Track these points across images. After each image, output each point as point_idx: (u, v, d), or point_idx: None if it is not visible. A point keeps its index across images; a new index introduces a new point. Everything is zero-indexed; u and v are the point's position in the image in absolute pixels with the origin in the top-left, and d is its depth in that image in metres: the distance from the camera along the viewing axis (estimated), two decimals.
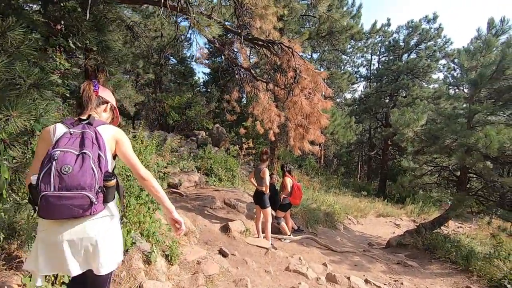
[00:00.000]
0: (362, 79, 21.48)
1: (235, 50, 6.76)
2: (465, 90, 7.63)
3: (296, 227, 6.60)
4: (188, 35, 19.37)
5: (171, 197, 5.61)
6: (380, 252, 6.37)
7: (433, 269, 5.14)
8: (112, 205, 1.39)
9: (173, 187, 6.07)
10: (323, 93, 5.28)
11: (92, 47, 3.79)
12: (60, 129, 1.35)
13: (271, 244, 4.89)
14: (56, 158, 1.19)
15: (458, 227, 11.42)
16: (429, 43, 16.43)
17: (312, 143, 5.63)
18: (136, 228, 2.90)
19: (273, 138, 7.62)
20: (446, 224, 7.47)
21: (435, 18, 16.28)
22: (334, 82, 14.71)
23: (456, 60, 14.87)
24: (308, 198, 9.27)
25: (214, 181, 8.74)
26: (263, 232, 5.06)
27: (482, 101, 6.37)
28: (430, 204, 14.25)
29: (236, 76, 7.25)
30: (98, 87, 1.54)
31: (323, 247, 5.73)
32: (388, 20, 19.05)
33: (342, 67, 18.96)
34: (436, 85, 15.99)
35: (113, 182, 1.30)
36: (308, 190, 11.78)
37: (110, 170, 1.36)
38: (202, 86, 25.96)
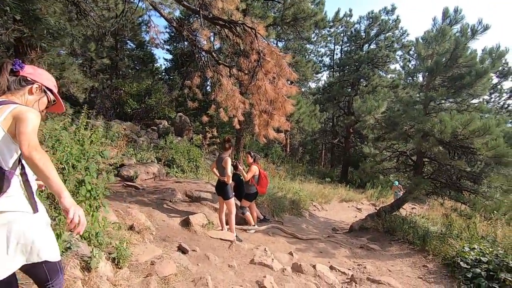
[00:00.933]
0: (325, 68, 21.87)
1: (195, 30, 6.27)
2: (421, 79, 7.97)
3: (262, 217, 6.47)
4: (146, 17, 18.07)
5: (126, 191, 5.12)
6: (343, 236, 6.50)
7: (393, 251, 5.32)
8: (9, 200, 1.23)
9: (128, 180, 5.55)
10: (288, 78, 5.07)
11: (14, 15, 3.15)
12: None
13: (236, 236, 4.67)
14: None
15: (412, 208, 12.24)
16: (387, 34, 17.09)
17: (277, 130, 5.44)
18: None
19: (238, 126, 7.33)
20: (402, 207, 7.85)
21: (393, 9, 16.93)
22: (299, 70, 14.70)
23: (412, 51, 15.69)
24: (274, 187, 9.20)
25: (176, 172, 8.28)
26: (227, 224, 4.81)
27: (437, 89, 6.65)
28: (388, 188, 15.12)
29: (197, 60, 6.79)
30: (22, 66, 1.41)
31: (289, 235, 5.67)
32: (350, 10, 19.49)
33: (307, 56, 19.06)
34: (393, 75, 16.76)
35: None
36: (274, 179, 11.75)
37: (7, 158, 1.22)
38: (164, 74, 24.63)
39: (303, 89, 25.16)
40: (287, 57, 4.77)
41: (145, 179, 6.06)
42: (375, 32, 17.82)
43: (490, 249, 3.98)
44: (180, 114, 15.27)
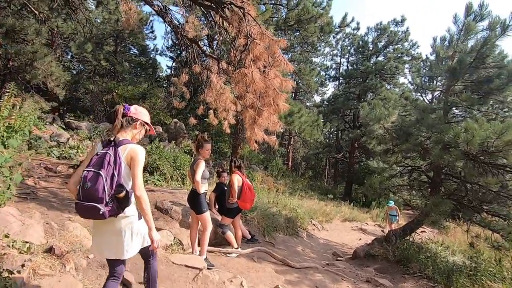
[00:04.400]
0: (331, 79, 21.12)
1: (177, 13, 5.49)
2: (435, 85, 7.05)
3: (249, 236, 5.45)
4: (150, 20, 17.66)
5: (70, 201, 4.17)
6: (346, 265, 5.42)
7: None
8: (131, 209, 1.81)
9: None
10: (283, 70, 4.19)
11: None
12: (99, 147, 1.81)
13: (206, 260, 3.67)
14: (84, 176, 1.65)
15: (422, 231, 11.04)
16: (396, 46, 16.35)
17: (267, 132, 4.52)
18: None
19: (228, 131, 6.46)
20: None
21: (402, 21, 16.27)
22: (303, 78, 13.95)
23: (422, 63, 14.81)
24: (269, 201, 8.18)
25: (158, 180, 7.34)
26: (200, 245, 3.83)
27: (458, 95, 5.72)
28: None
29: (183, 52, 6.00)
30: (129, 109, 1.88)
31: (279, 262, 4.62)
32: (358, 23, 18.92)
33: (311, 66, 18.34)
34: (403, 88, 15.88)
35: (122, 194, 1.69)
36: (271, 193, 10.73)
37: (124, 181, 1.72)
38: (165, 80, 24.17)
39: (307, 103, 24.46)
40: (281, 42, 3.90)
41: None
42: (383, 44, 17.11)
43: None
44: (176, 120, 14.48)
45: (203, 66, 5.80)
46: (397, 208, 9.25)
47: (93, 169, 1.65)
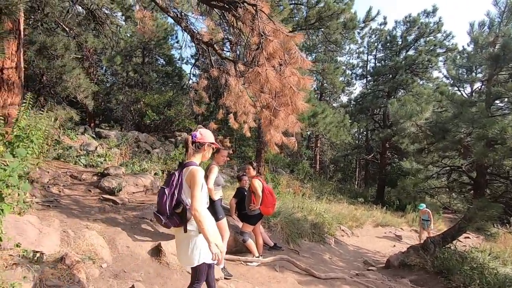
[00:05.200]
0: (358, 77, 20.25)
1: (193, 17, 5.46)
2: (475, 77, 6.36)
3: (271, 244, 5.21)
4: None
5: (99, 206, 4.22)
6: (377, 275, 4.97)
7: None
8: (192, 223, 2.00)
9: (109, 193, 4.68)
10: (299, 66, 3.95)
11: None
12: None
13: (225, 271, 3.50)
14: (158, 191, 2.08)
15: (465, 237, 10.04)
16: (428, 38, 15.29)
17: (286, 134, 4.28)
18: None
19: (248, 134, 6.29)
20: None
21: (434, 11, 15.18)
22: (327, 78, 13.46)
23: (464, 48, 13.58)
24: (294, 206, 7.88)
25: None
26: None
27: (502, 84, 5.08)
28: (434, 212, 12.87)
29: (200, 55, 5.97)
30: (196, 136, 2.14)
31: (303, 271, 4.33)
32: (385, 18, 18.04)
33: (336, 66, 17.70)
34: (437, 83, 14.77)
35: (179, 209, 1.98)
36: (296, 197, 10.40)
37: (184, 199, 2.01)
38: (191, 88, 24.75)
39: (334, 104, 23.68)
40: (296, 37, 3.67)
41: (133, 192, 5.16)
42: (413, 37, 16.08)
43: None
44: (200, 126, 14.63)
45: (221, 70, 5.72)
46: (429, 211, 8.44)
47: (163, 187, 2.05)
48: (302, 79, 3.93)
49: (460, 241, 6.05)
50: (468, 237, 10.26)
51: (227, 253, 4.16)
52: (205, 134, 2.18)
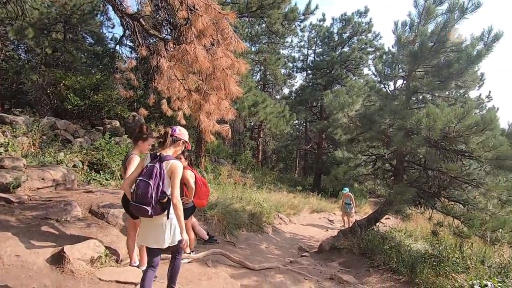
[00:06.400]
0: (298, 70, 20.92)
1: None
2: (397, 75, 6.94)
3: (206, 237, 4.94)
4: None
5: None
6: (310, 261, 5.12)
7: (372, 283, 4.02)
8: (171, 210, 2.25)
9: (1, 189, 3.81)
10: (234, 48, 3.67)
11: None
12: (148, 159, 2.29)
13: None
14: (138, 183, 2.17)
15: (386, 218, 11.24)
16: (360, 37, 16.49)
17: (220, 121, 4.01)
18: None
19: (183, 121, 5.81)
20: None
21: (366, 11, 16.40)
22: (269, 68, 13.51)
23: (389, 48, 15.00)
24: (232, 197, 7.72)
25: (106, 179, 6.56)
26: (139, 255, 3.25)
27: (419, 79, 5.60)
28: (361, 197, 14.16)
29: (124, 29, 5.27)
30: (175, 130, 2.41)
31: (237, 264, 4.18)
32: (323, 14, 18.84)
33: (278, 57, 17.96)
34: (366, 79, 16.09)
35: (164, 200, 2.18)
36: (237, 187, 10.28)
37: (166, 189, 2.20)
38: (117, 70, 22.52)
39: (277, 96, 24.12)
40: (230, 16, 3.38)
41: (38, 188, 4.33)
42: (348, 35, 17.19)
43: None
44: (134, 113, 13.40)
45: (151, 50, 5.13)
46: (351, 195, 9.17)
47: (145, 179, 2.13)
48: (236, 62, 3.67)
49: (382, 222, 6.64)
50: (389, 218, 11.50)
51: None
52: (183, 132, 2.46)
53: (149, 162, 2.23)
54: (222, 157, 17.02)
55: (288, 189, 15.69)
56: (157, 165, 2.16)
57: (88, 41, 20.99)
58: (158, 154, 2.26)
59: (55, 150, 7.07)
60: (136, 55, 6.20)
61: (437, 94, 5.60)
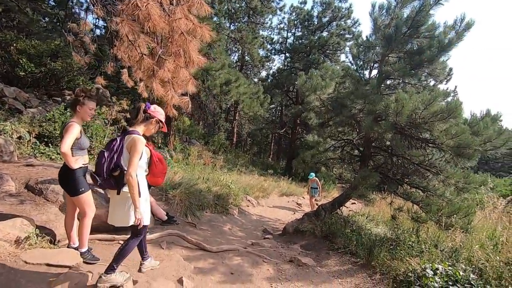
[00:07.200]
0: (276, 52, 20.50)
1: None
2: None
3: (164, 218, 4.68)
4: None
5: None
6: (272, 243, 5.06)
7: (331, 266, 4.01)
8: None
9: None
10: (197, 11, 3.29)
11: None
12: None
13: (89, 255, 2.82)
14: (99, 154, 2.24)
15: (352, 203, 11.59)
16: (339, 22, 16.31)
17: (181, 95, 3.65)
18: None
19: (145, 94, 5.35)
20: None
21: None
22: (245, 47, 13.00)
23: (367, 37, 15.02)
24: (198, 177, 7.45)
25: (57, 153, 5.99)
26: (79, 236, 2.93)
27: (392, 65, 5.53)
28: (330, 183, 14.47)
29: None
30: (149, 107, 2.35)
31: (194, 246, 3.98)
32: None
33: (255, 36, 17.35)
34: (343, 66, 16.10)
35: (117, 172, 2.15)
36: (205, 168, 10.00)
37: (123, 163, 2.18)
38: (69, 32, 20.77)
39: (255, 79, 23.60)
40: None
41: None
42: (327, 19, 16.95)
43: (460, 273, 2.80)
44: (98, 86, 12.43)
45: (108, 10, 4.55)
46: (317, 180, 9.29)
47: (103, 150, 2.20)
48: (199, 28, 3.30)
49: (347, 207, 6.73)
50: (354, 203, 11.87)
51: (103, 231, 3.46)
52: (158, 110, 2.40)
53: (115, 137, 2.28)
54: (194, 138, 16.53)
55: (260, 172, 15.66)
56: (118, 138, 2.20)
57: (49, 3, 19.02)
58: (127, 128, 2.32)
59: None
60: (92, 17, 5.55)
61: (407, 81, 5.58)
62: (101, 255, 3.06)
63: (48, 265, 2.47)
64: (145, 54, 3.21)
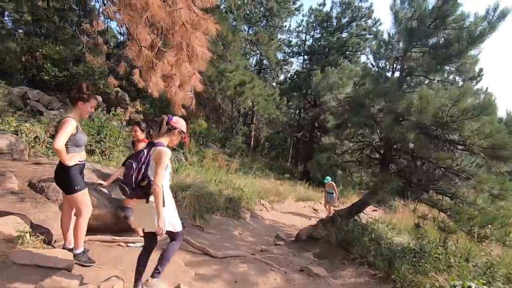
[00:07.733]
0: (295, 55, 20.18)
1: None
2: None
3: None
4: None
5: None
6: (283, 250, 4.76)
7: (345, 277, 3.65)
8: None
9: None
10: (201, 2, 3.12)
11: None
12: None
13: (83, 257, 2.69)
14: (126, 165, 2.28)
15: (373, 210, 10.98)
16: (360, 22, 15.80)
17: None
18: None
19: (155, 94, 5.27)
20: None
21: None
22: (261, 49, 12.85)
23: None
24: (210, 180, 7.29)
25: None
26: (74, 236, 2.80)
27: (415, 60, 5.12)
28: (349, 187, 13.88)
29: None
30: (171, 119, 2.40)
31: (199, 250, 3.77)
32: None
33: (272, 37, 17.14)
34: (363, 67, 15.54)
35: (144, 183, 2.21)
36: (219, 171, 9.86)
37: (150, 174, 2.22)
38: (82, 31, 21.50)
39: (273, 83, 23.38)
40: None
41: None
42: (347, 20, 16.47)
43: None
44: (118, 89, 12.74)
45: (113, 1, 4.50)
46: (333, 185, 8.76)
47: (131, 161, 2.26)
48: (204, 19, 3.13)
49: (365, 213, 6.29)
50: (375, 210, 11.24)
51: (103, 232, 3.33)
52: (180, 122, 2.46)
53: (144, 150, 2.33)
54: (211, 141, 16.52)
55: (276, 176, 15.33)
56: (145, 150, 2.28)
57: (76, 13, 19.93)
58: (152, 141, 2.36)
59: (19, 120, 6.51)
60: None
61: (432, 78, 5.13)
62: (100, 258, 2.93)
63: (38, 266, 2.34)
64: (144, 47, 3.08)
